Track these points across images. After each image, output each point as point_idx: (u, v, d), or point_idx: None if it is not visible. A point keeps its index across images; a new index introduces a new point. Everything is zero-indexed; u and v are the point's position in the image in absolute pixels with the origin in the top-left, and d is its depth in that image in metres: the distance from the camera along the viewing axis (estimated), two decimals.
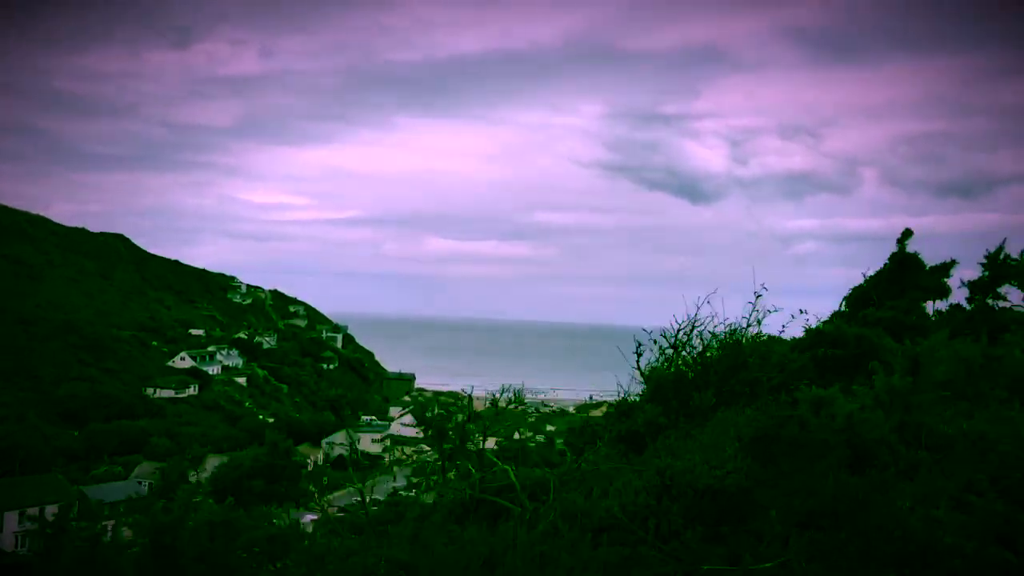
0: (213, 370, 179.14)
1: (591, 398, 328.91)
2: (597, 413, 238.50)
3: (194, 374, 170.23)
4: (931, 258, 29.45)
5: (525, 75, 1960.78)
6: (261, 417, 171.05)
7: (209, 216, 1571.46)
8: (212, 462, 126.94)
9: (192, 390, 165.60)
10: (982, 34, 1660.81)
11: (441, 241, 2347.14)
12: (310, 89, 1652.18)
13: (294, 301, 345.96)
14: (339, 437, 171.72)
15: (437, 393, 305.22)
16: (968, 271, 26.48)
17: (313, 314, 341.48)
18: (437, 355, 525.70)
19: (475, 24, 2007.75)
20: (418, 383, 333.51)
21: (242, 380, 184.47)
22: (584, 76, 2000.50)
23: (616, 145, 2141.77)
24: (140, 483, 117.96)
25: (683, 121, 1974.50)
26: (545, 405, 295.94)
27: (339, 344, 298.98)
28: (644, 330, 19.41)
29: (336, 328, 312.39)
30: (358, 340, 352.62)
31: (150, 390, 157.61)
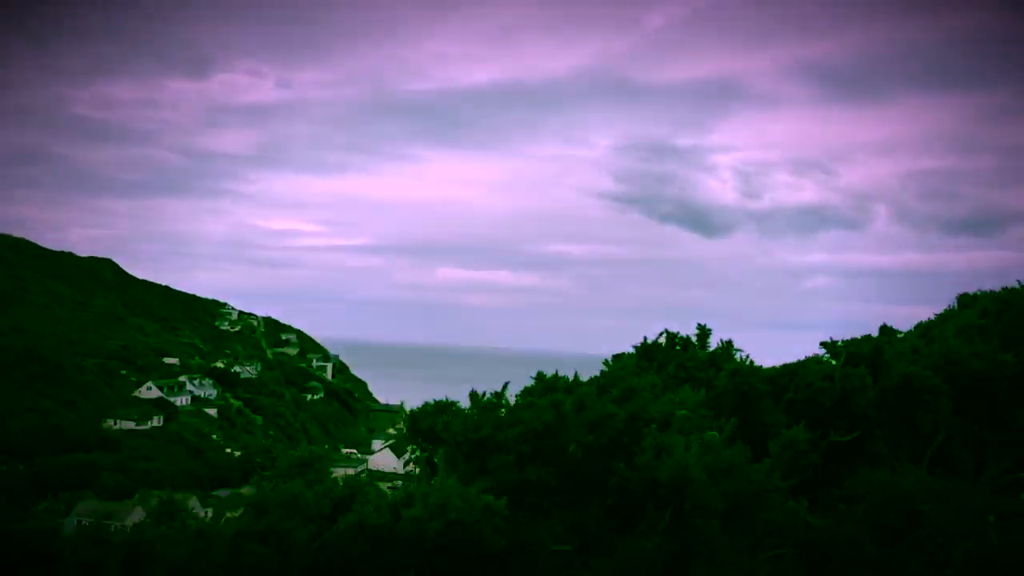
0: (181, 401, 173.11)
1: None
2: None
3: (160, 405, 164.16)
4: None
5: (539, 107, 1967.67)
6: (228, 451, 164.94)
7: (225, 242, 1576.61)
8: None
9: (156, 422, 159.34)
10: (993, 72, 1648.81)
11: (452, 270, 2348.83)
12: (325, 119, 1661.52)
13: (287, 329, 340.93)
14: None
15: None
16: None
17: (306, 342, 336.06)
18: (438, 385, 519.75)
19: (488, 57, 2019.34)
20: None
21: (213, 411, 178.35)
22: (597, 109, 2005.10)
23: (627, 177, 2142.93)
24: (79, 521, 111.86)
25: (695, 154, 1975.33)
26: None
27: (328, 373, 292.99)
28: None
29: (327, 357, 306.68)
30: (353, 369, 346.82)
31: (109, 422, 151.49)
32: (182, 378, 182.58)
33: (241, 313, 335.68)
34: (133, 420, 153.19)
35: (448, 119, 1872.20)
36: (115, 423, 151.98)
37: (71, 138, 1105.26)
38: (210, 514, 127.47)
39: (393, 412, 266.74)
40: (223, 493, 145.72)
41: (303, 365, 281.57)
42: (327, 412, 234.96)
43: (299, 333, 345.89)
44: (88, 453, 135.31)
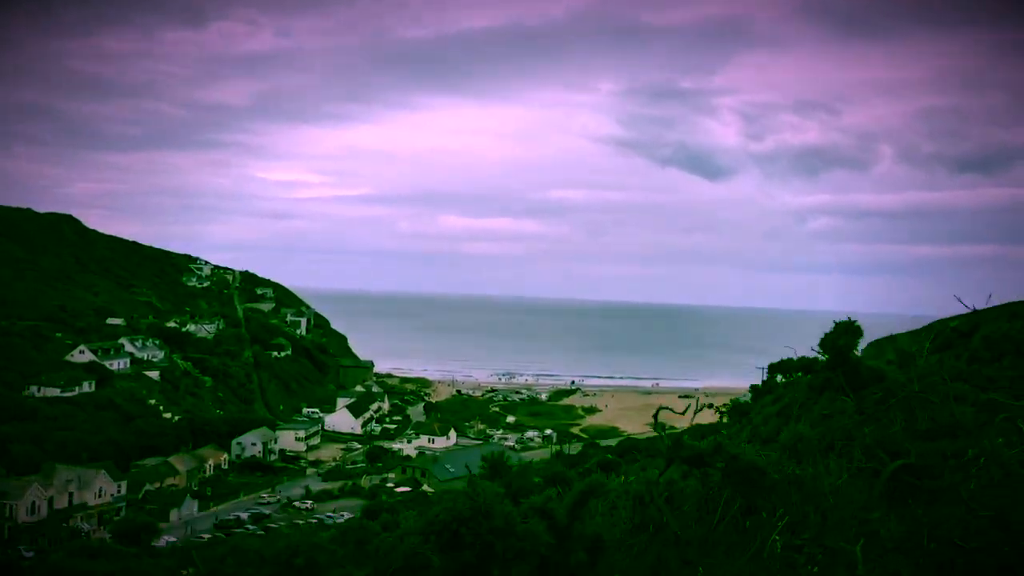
0: (118, 364, 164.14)
1: (572, 383, 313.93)
2: (570, 401, 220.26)
3: (91, 369, 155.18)
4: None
5: (539, 52, 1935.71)
6: (169, 416, 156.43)
7: (227, 195, 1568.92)
8: (63, 475, 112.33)
9: (87, 387, 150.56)
10: (1003, 7, 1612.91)
11: (455, 218, 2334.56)
12: (324, 68, 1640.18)
13: (264, 283, 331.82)
14: (253, 437, 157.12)
15: (405, 379, 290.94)
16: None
17: (285, 296, 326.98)
18: (436, 336, 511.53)
19: (486, 1, 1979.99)
20: (399, 367, 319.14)
21: (154, 374, 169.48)
22: (598, 52, 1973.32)
23: (630, 122, 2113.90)
24: None
25: (699, 97, 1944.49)
26: (527, 390, 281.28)
27: (303, 328, 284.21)
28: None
29: (301, 312, 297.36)
30: (333, 323, 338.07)
31: (32, 389, 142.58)
32: (122, 340, 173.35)
33: (216, 268, 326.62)
34: (58, 387, 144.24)
35: (447, 66, 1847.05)
36: (38, 390, 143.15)
37: (70, 93, 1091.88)
38: (123, 488, 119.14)
39: (363, 368, 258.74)
40: (152, 462, 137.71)
41: (275, 321, 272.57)
42: (293, 370, 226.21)
43: (277, 287, 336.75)
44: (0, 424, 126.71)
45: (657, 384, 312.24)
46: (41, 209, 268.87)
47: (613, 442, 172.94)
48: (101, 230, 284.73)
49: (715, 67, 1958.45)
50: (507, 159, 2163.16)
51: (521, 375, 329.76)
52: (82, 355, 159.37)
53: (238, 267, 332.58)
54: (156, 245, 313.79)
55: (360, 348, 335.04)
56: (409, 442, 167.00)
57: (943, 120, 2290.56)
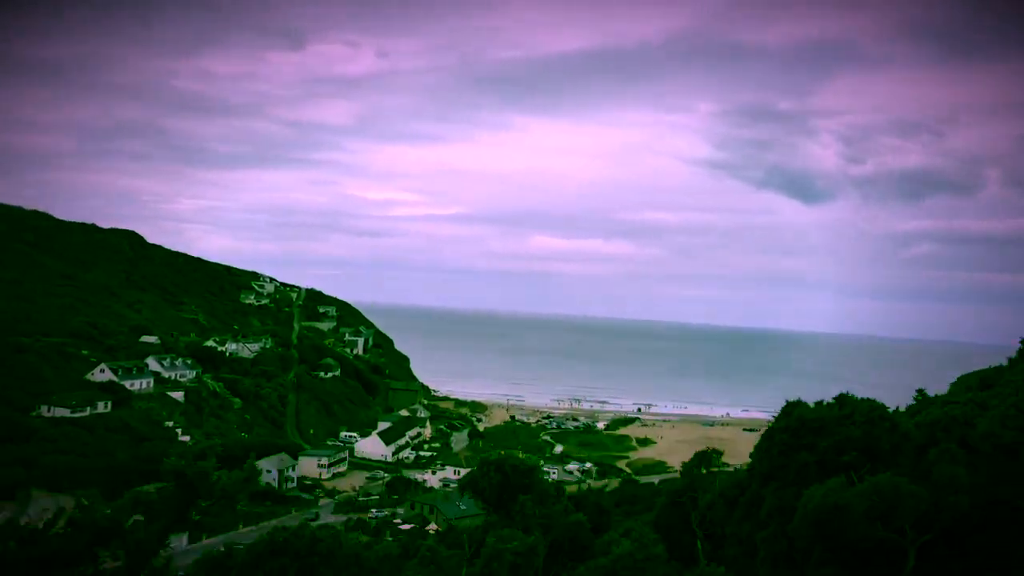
0: (140, 384, 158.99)
1: (638, 410, 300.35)
2: (626, 430, 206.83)
3: (108, 389, 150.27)
4: None
5: (633, 73, 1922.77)
6: (188, 439, 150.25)
7: (325, 212, 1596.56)
8: (41, 502, 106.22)
9: (103, 407, 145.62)
10: None
11: (546, 238, 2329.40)
12: (419, 88, 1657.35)
13: (330, 301, 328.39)
14: (269, 463, 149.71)
15: (460, 403, 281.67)
16: None
17: (350, 315, 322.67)
18: (511, 357, 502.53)
19: (578, 23, 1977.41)
20: (459, 390, 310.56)
21: (179, 395, 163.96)
22: (694, 74, 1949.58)
23: (724, 143, 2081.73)
24: None
25: (797, 118, 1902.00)
26: (586, 417, 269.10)
27: (359, 348, 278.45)
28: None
29: (359, 331, 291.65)
30: (398, 344, 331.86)
31: (42, 408, 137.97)
32: (149, 359, 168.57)
33: (281, 285, 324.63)
34: (68, 407, 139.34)
35: (541, 87, 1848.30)
36: (48, 410, 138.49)
37: (176, 111, 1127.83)
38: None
39: (412, 391, 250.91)
40: (153, 488, 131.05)
41: (329, 341, 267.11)
42: (338, 391, 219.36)
43: (343, 305, 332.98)
44: None
45: (728, 414, 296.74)
46: (142, 226, 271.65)
47: (656, 479, 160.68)
48: (199, 245, 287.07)
49: (814, 88, 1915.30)
50: (599, 180, 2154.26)
51: (587, 401, 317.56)
52: (102, 374, 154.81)
53: (333, 284, 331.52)
54: (251, 262, 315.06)
55: (425, 369, 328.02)
56: (434, 473, 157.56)
57: None
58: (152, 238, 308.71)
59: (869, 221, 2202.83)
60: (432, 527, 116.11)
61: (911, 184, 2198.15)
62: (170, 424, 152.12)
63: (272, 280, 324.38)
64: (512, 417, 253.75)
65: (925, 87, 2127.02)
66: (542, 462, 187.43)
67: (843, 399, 42.06)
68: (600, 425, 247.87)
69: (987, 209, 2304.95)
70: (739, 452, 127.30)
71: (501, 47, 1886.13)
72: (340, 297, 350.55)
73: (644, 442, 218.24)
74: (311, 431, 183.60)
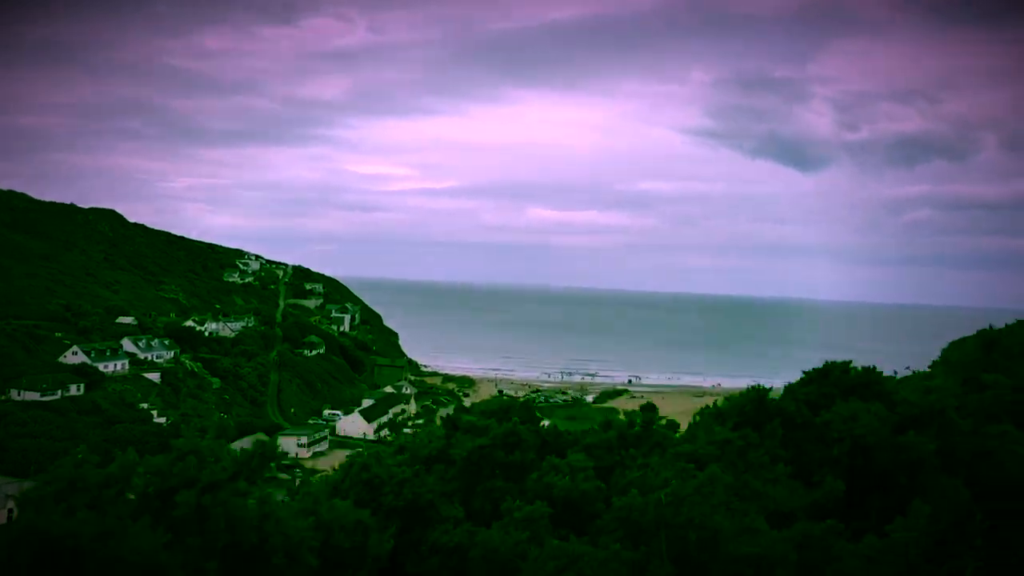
0: (114, 366, 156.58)
1: (630, 381, 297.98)
2: (615, 403, 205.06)
3: (81, 371, 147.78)
4: None
5: (627, 42, 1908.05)
6: (163, 420, 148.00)
7: (320, 187, 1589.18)
8: (4, 488, 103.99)
9: (76, 390, 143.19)
10: None
11: (541, 211, 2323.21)
12: (413, 62, 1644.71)
13: (317, 277, 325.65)
14: (244, 443, 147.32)
15: (448, 378, 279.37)
16: None
17: (337, 291, 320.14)
18: (502, 331, 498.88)
19: None
20: (448, 365, 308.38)
21: (154, 376, 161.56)
22: (688, 42, 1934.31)
23: (719, 112, 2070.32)
24: None
25: (792, 86, 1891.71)
26: (576, 390, 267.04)
27: (345, 325, 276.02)
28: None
29: (345, 308, 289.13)
30: (387, 320, 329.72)
31: (13, 392, 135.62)
32: (124, 340, 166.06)
33: (267, 263, 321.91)
34: (39, 391, 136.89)
35: (535, 58, 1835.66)
36: (19, 394, 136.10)
37: (170, 89, 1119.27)
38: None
39: (397, 368, 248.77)
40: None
41: (314, 319, 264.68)
42: (321, 369, 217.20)
43: (331, 281, 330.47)
44: None
45: (719, 384, 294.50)
46: (135, 206, 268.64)
47: None
48: (193, 223, 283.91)
49: (809, 55, 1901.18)
50: (594, 151, 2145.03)
51: (578, 373, 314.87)
52: (75, 356, 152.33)
53: (327, 260, 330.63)
54: (243, 239, 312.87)
55: (414, 344, 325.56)
56: None
57: None
58: (145, 217, 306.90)
59: (864, 188, 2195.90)
60: None
61: (907, 150, 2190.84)
62: (144, 406, 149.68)
63: (258, 258, 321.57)
64: (500, 391, 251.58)
65: (921, 52, 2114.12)
66: None
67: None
68: (589, 399, 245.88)
69: (983, 174, 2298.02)
70: None
71: (494, 19, 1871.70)
72: (333, 273, 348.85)
73: (632, 415, 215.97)
74: (292, 410, 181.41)
